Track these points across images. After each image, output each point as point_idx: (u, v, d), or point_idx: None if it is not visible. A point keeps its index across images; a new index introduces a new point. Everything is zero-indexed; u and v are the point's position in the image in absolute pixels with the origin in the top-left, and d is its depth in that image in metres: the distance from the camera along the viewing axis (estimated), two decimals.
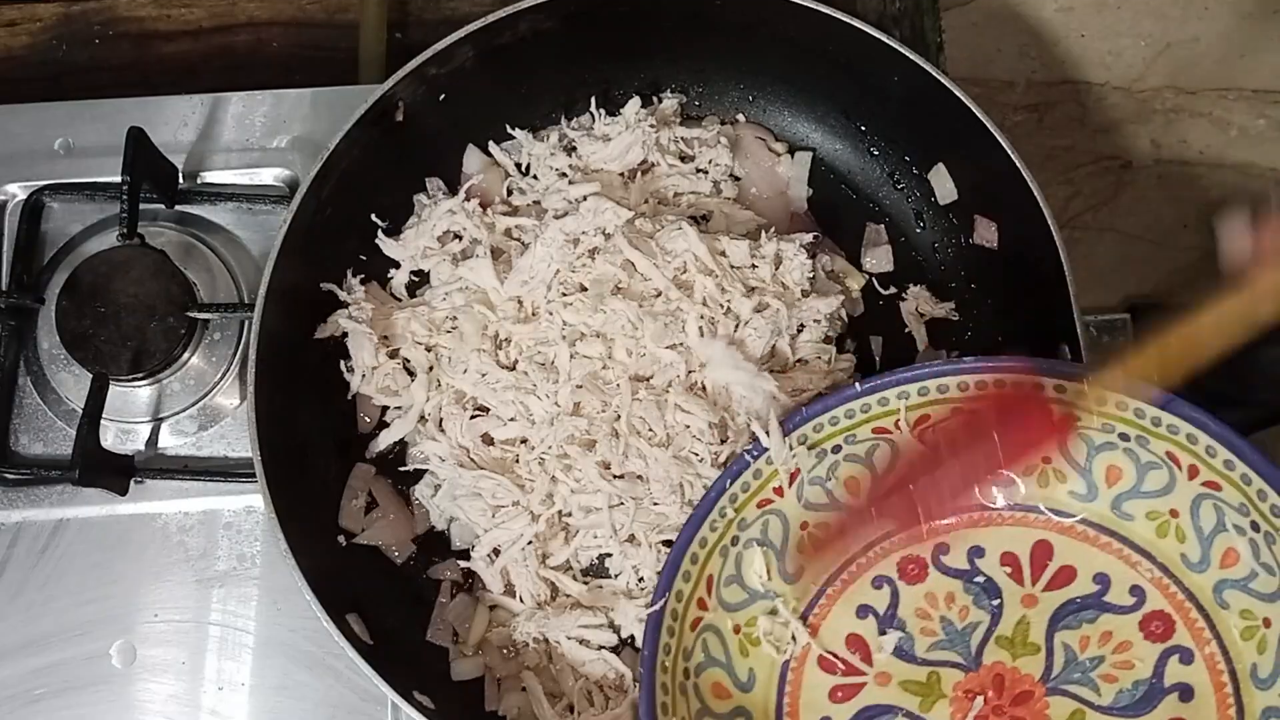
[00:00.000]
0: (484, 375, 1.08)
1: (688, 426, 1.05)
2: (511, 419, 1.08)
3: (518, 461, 1.08)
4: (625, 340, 1.06)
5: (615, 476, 1.05)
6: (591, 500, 1.05)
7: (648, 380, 1.06)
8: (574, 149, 1.17)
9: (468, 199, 1.13)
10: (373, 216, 1.14)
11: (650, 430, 1.06)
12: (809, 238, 1.13)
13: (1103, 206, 1.21)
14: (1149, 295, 1.18)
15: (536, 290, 1.08)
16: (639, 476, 1.05)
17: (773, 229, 1.14)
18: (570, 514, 1.06)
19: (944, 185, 1.14)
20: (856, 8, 1.28)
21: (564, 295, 1.08)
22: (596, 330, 1.07)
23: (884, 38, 1.06)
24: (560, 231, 1.08)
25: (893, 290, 1.16)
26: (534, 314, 1.09)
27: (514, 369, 1.09)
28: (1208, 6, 1.26)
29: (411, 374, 1.11)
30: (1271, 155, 1.22)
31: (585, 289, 1.08)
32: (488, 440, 1.09)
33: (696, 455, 1.06)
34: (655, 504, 1.05)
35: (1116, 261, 1.19)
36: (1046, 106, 1.24)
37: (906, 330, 1.15)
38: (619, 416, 1.05)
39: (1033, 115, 1.23)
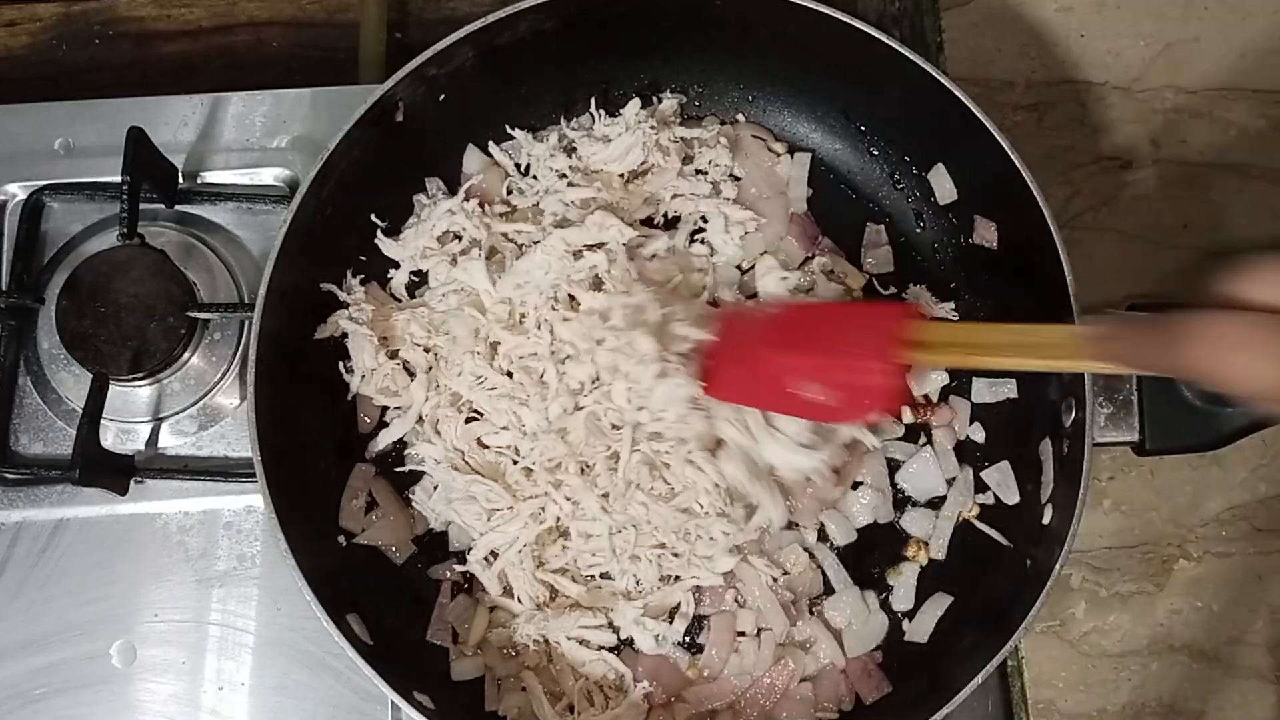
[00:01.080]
0: (479, 379, 1.08)
1: (695, 482, 1.05)
2: (504, 427, 1.08)
3: (514, 464, 1.08)
4: (624, 384, 1.04)
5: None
6: (589, 527, 1.05)
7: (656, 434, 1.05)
8: (574, 150, 1.16)
9: (467, 199, 1.13)
10: (372, 216, 1.14)
11: (651, 485, 1.06)
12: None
13: (1103, 206, 1.21)
14: (1149, 295, 1.18)
15: (530, 295, 1.08)
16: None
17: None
18: (567, 530, 1.07)
19: (944, 185, 1.14)
20: (857, 8, 1.28)
21: (556, 307, 1.08)
22: (599, 369, 1.05)
23: (884, 38, 1.06)
24: (562, 241, 1.08)
25: (893, 290, 1.17)
26: (522, 321, 1.09)
27: (510, 376, 1.09)
28: (1207, 6, 1.26)
29: (411, 374, 1.11)
30: (1271, 155, 1.22)
31: (574, 298, 1.08)
32: (483, 445, 1.09)
33: (700, 507, 1.06)
34: (658, 539, 1.05)
35: (1116, 261, 1.19)
36: (1046, 106, 1.23)
37: None
38: (617, 458, 1.05)
39: (1033, 115, 1.23)
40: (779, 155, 1.19)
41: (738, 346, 1.00)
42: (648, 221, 1.16)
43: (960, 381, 1.14)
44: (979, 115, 1.04)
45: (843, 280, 1.16)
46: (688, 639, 1.09)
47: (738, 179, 1.18)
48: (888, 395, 0.92)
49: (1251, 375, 0.64)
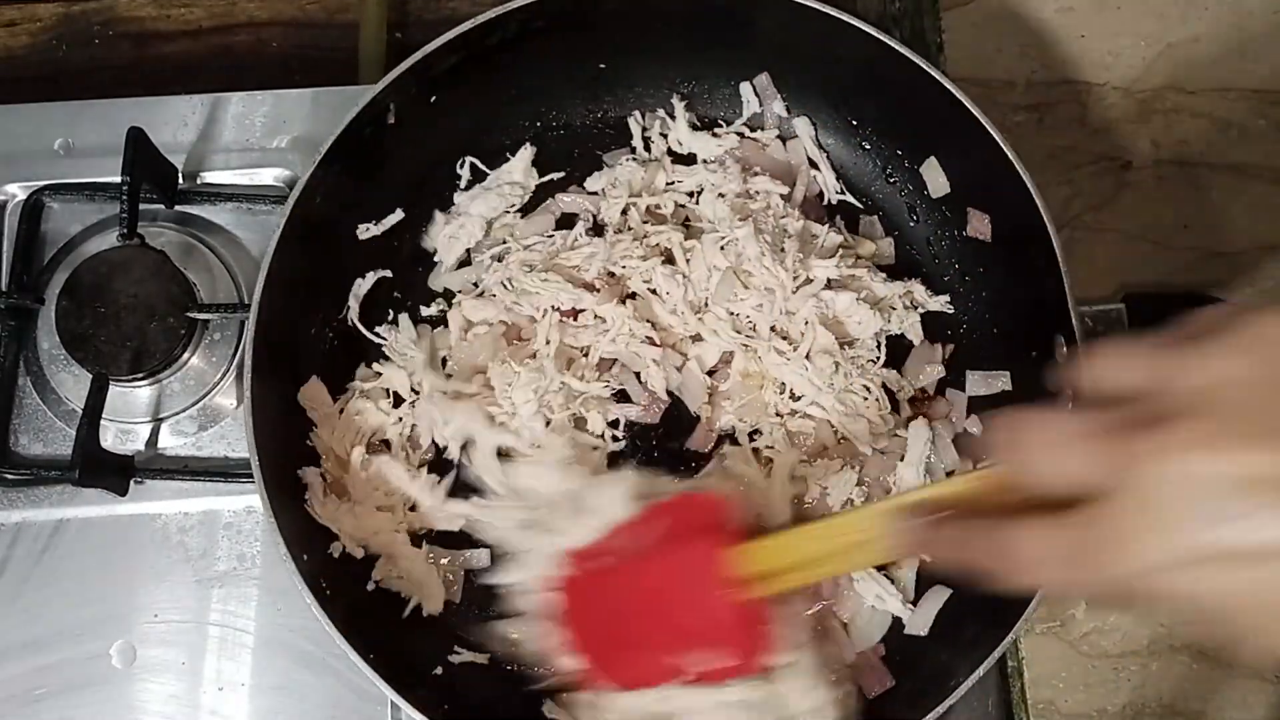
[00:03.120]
0: None
1: None
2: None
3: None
4: None
5: None
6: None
7: None
8: None
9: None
10: (372, 225, 1.14)
11: None
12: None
13: (1103, 206, 1.21)
14: (1144, 285, 1.18)
15: None
16: None
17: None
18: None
19: (936, 179, 1.14)
20: (856, 7, 1.28)
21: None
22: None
23: (884, 36, 1.06)
24: None
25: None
26: None
27: None
28: (1208, 6, 1.26)
29: None
30: (1271, 155, 1.22)
31: None
32: None
33: None
34: None
35: (1116, 261, 1.19)
36: (1046, 106, 1.23)
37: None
38: None
39: (1033, 115, 1.23)
40: (765, 144, 1.19)
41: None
42: None
43: (956, 375, 1.14)
44: (970, 108, 1.04)
45: (853, 248, 1.15)
46: None
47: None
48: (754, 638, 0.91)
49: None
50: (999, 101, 1.23)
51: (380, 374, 1.11)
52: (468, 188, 1.18)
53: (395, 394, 1.11)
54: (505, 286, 1.11)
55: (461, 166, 1.17)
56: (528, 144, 1.18)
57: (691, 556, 0.91)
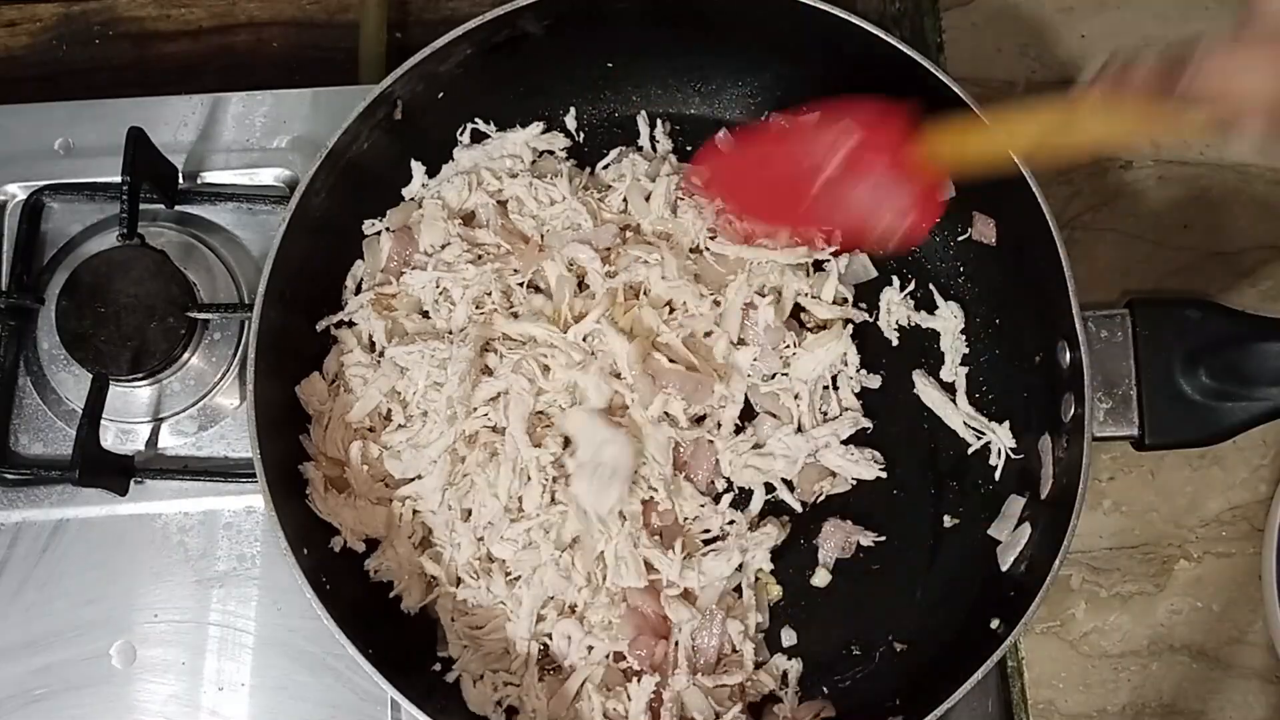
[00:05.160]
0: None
1: None
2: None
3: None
4: None
5: None
6: None
7: None
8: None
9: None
10: (371, 221, 1.14)
11: None
12: None
13: (1103, 206, 1.21)
14: (1149, 293, 1.18)
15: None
16: None
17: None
18: None
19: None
20: (856, 7, 1.28)
21: None
22: None
23: (885, 36, 1.06)
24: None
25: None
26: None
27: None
28: (1207, 7, 1.26)
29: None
30: (1271, 155, 1.22)
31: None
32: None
33: None
34: None
35: (1116, 261, 1.19)
36: None
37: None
38: None
39: None
40: None
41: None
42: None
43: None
44: (976, 110, 1.04)
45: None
46: None
47: None
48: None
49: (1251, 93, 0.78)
50: (999, 101, 1.23)
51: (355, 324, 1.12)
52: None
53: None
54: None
55: (463, 133, 1.17)
56: (538, 122, 1.18)
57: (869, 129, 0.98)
